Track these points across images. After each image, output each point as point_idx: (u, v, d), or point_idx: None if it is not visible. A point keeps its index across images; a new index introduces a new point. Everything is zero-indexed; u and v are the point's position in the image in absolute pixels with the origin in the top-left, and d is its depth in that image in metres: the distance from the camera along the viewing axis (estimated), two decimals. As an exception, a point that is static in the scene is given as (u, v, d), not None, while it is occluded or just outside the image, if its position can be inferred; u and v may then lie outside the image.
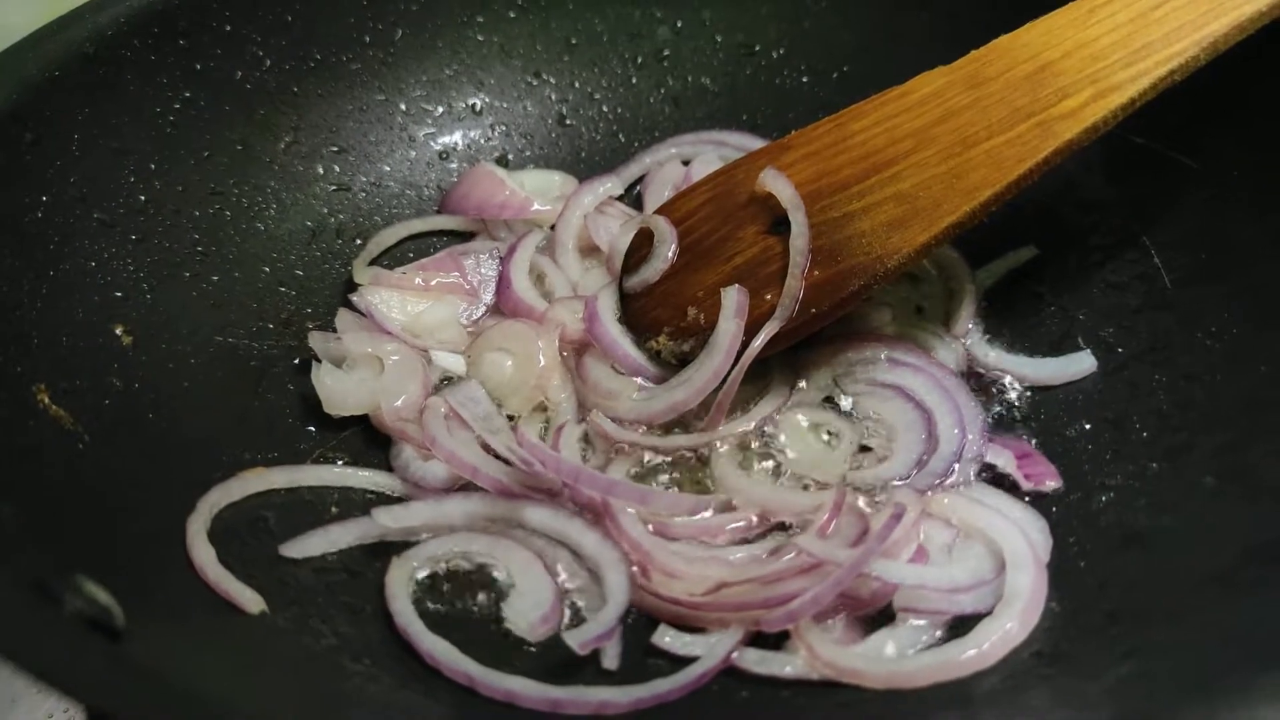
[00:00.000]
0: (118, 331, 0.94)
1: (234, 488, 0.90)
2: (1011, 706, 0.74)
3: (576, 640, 0.80)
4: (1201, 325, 0.96)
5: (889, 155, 0.97)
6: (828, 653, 0.80)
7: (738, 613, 0.83)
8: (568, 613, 0.86)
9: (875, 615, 0.85)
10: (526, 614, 0.85)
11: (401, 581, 0.86)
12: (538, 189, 1.19)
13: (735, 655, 0.81)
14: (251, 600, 0.81)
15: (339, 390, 1.00)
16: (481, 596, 0.87)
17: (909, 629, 0.83)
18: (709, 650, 0.81)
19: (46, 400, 0.84)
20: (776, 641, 0.83)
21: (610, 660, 0.81)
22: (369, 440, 1.00)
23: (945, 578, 0.85)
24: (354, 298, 1.08)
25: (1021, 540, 0.86)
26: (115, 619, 0.64)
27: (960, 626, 0.83)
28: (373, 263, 1.14)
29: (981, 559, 0.87)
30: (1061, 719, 0.72)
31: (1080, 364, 1.01)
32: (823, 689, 0.79)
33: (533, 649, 0.84)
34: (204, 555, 0.82)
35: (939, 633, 0.83)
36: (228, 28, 1.08)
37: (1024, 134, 0.92)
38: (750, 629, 0.83)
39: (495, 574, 0.88)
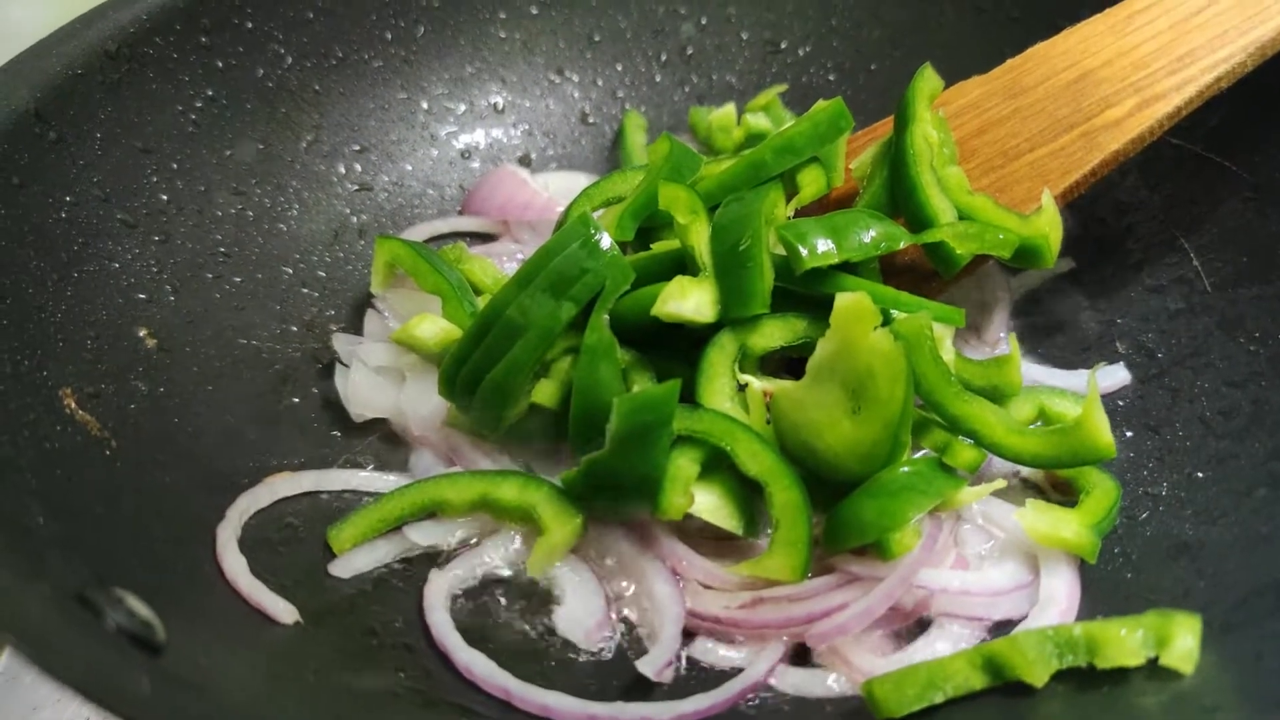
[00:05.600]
0: (142, 334, 0.93)
1: (262, 494, 0.89)
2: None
3: (651, 668, 0.79)
4: (1244, 329, 0.95)
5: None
6: (867, 665, 0.79)
7: (780, 629, 0.81)
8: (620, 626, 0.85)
9: (909, 626, 0.84)
10: (581, 621, 0.84)
11: (440, 593, 0.85)
12: (561, 190, 1.17)
13: (774, 675, 0.81)
14: (285, 611, 0.79)
15: (362, 393, 0.99)
16: (520, 604, 0.86)
17: (949, 635, 0.82)
18: (751, 664, 0.80)
19: (73, 405, 0.83)
20: (805, 656, 0.82)
21: (668, 675, 0.80)
22: (394, 443, 0.99)
23: (986, 583, 0.84)
24: (378, 301, 1.07)
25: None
26: (156, 634, 0.63)
27: (996, 632, 0.82)
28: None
29: (1018, 564, 0.86)
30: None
31: (1113, 377, 0.99)
32: (862, 704, 0.78)
33: (579, 658, 0.83)
34: (236, 565, 0.81)
35: (979, 637, 0.82)
36: (250, 25, 1.07)
37: (1067, 145, 0.90)
38: (793, 643, 0.81)
39: (539, 583, 0.87)
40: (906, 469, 0.82)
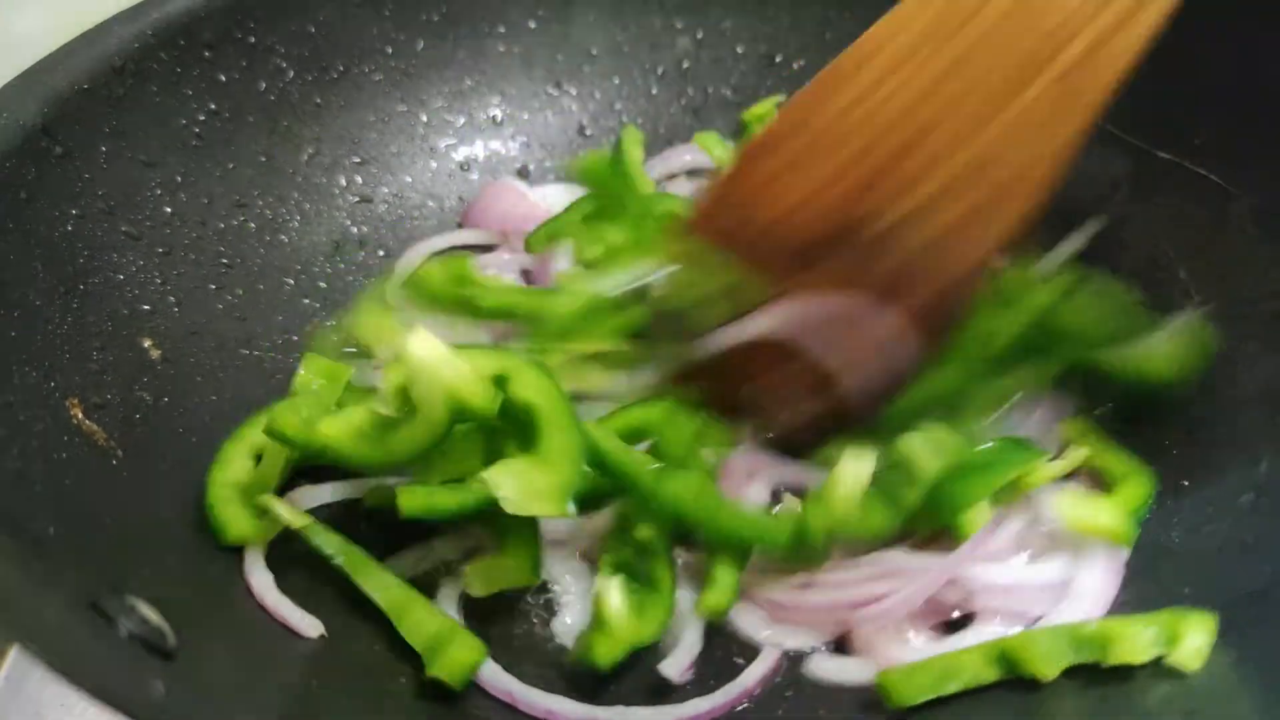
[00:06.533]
0: (146, 345, 0.94)
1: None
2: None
3: (674, 671, 0.80)
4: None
5: (909, 132, 0.79)
6: (902, 656, 0.80)
7: (830, 613, 0.83)
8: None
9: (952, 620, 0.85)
10: (579, 627, 0.85)
11: (450, 597, 0.86)
12: (560, 205, 1.18)
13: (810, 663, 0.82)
14: (311, 625, 0.80)
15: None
16: (523, 605, 0.88)
17: (987, 633, 0.82)
18: (748, 670, 0.81)
19: (80, 415, 0.84)
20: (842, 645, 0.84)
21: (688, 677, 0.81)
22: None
23: (1030, 578, 0.84)
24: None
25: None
26: (167, 639, 0.64)
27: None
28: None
29: (1063, 559, 0.85)
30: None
31: None
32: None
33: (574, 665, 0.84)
34: (263, 581, 0.83)
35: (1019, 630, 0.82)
36: (251, 39, 1.08)
37: (1047, 90, 0.76)
38: (835, 632, 0.83)
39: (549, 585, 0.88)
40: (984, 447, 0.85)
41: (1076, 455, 0.88)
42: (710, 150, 1.22)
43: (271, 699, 0.69)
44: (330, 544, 0.84)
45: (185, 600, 0.75)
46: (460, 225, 1.21)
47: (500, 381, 0.83)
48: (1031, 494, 0.87)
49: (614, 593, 0.81)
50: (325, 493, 0.91)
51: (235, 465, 0.90)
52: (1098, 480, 0.92)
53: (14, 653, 0.95)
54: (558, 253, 1.12)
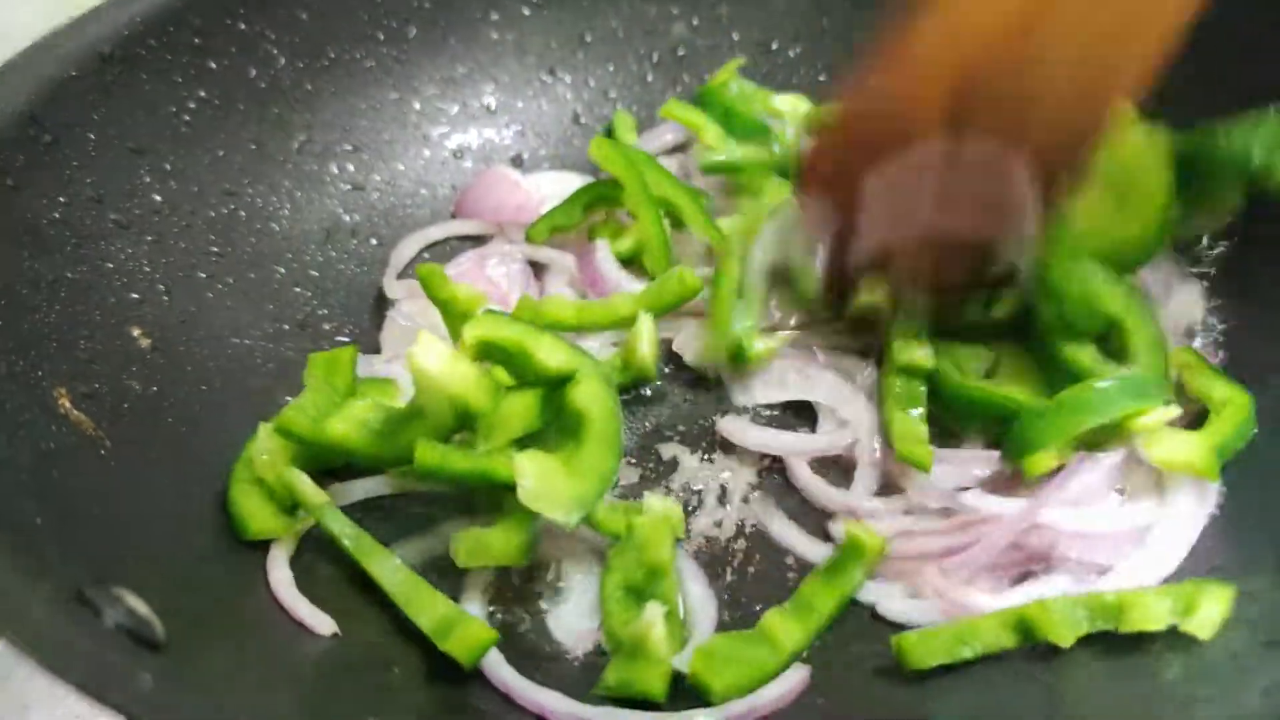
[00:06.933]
0: (135, 334, 0.93)
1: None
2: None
3: (686, 665, 0.79)
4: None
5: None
6: (973, 602, 0.81)
7: (919, 560, 0.84)
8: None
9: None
10: (574, 625, 0.84)
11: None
12: (554, 194, 1.18)
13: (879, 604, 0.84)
14: (325, 624, 0.80)
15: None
16: (523, 592, 0.87)
17: (1061, 583, 0.82)
18: (759, 693, 0.78)
19: (68, 405, 0.83)
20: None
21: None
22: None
23: (1114, 524, 0.84)
24: (393, 313, 1.09)
25: (1185, 486, 0.85)
26: (155, 631, 0.63)
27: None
28: (399, 276, 1.13)
29: (1150, 501, 0.86)
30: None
31: None
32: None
33: (570, 656, 0.83)
34: (281, 577, 0.83)
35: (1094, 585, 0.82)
36: (241, 26, 1.07)
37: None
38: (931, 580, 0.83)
39: (548, 574, 0.88)
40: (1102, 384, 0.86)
41: (1171, 409, 0.86)
42: (681, 118, 1.21)
43: (263, 693, 0.68)
44: (343, 528, 0.84)
45: (174, 592, 0.75)
46: (454, 215, 1.20)
47: (565, 378, 0.85)
48: (1134, 436, 0.87)
49: (659, 624, 0.77)
50: (358, 490, 0.91)
51: (256, 461, 0.89)
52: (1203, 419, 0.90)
53: (0, 646, 0.94)
54: (597, 251, 1.10)
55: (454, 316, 0.96)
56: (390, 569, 0.83)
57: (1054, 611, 0.75)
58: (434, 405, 0.85)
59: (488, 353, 0.88)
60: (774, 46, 1.27)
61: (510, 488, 0.80)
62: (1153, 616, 0.74)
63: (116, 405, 0.88)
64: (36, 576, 0.63)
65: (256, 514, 0.86)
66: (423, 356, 0.82)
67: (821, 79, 1.25)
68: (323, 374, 0.95)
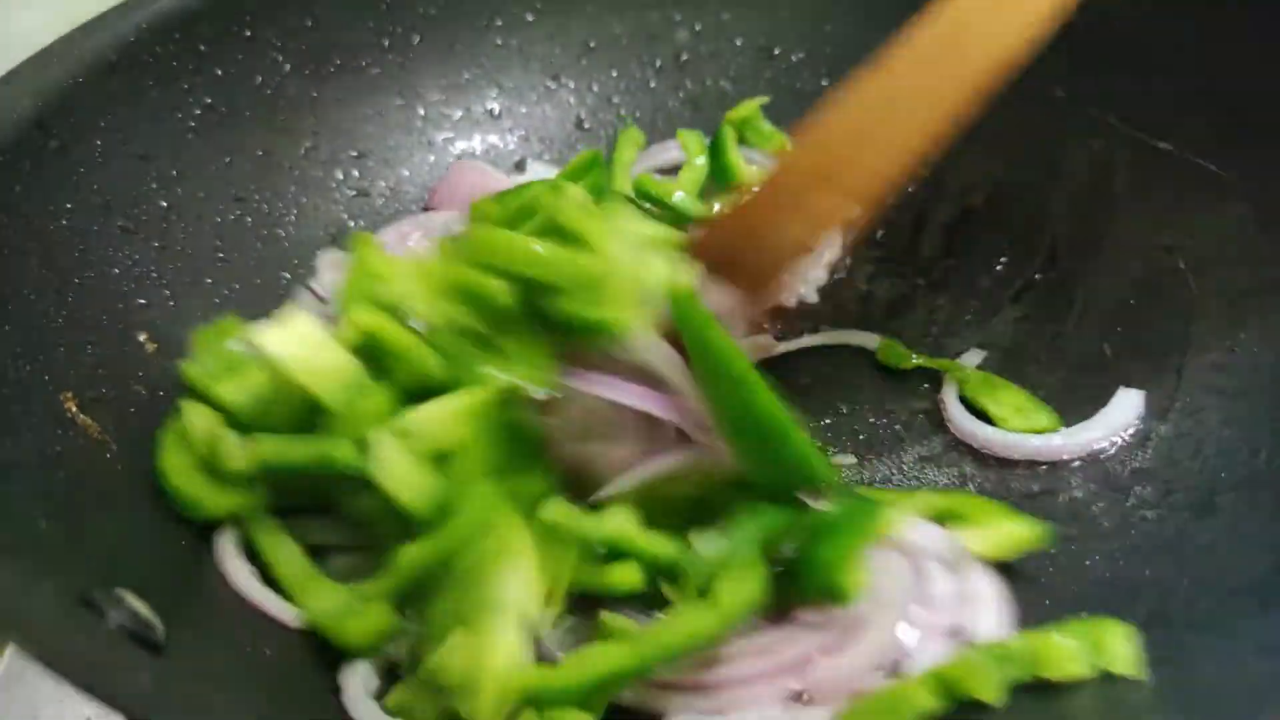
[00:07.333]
0: (142, 339, 0.94)
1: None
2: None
3: None
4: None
5: None
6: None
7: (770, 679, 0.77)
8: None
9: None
10: None
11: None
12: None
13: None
14: (292, 616, 0.80)
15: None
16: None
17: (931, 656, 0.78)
18: None
19: (75, 409, 0.84)
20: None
21: None
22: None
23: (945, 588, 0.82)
24: (313, 283, 1.09)
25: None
26: (156, 632, 0.64)
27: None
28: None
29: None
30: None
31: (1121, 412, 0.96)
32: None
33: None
34: (237, 569, 0.82)
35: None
36: (248, 33, 1.08)
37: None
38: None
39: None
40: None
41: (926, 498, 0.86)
42: (689, 148, 1.21)
43: (260, 691, 0.69)
44: (250, 504, 0.82)
45: (178, 594, 0.75)
46: (426, 209, 1.20)
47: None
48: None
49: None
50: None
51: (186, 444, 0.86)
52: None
53: (10, 650, 0.95)
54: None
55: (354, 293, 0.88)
56: (285, 558, 0.81)
57: (967, 665, 0.71)
58: (283, 393, 0.81)
59: (368, 349, 0.82)
60: (776, 52, 1.27)
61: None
62: (1067, 659, 0.71)
63: (123, 409, 0.88)
64: (41, 578, 0.63)
65: (203, 495, 0.83)
66: (264, 337, 0.76)
67: (824, 84, 1.26)
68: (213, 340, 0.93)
